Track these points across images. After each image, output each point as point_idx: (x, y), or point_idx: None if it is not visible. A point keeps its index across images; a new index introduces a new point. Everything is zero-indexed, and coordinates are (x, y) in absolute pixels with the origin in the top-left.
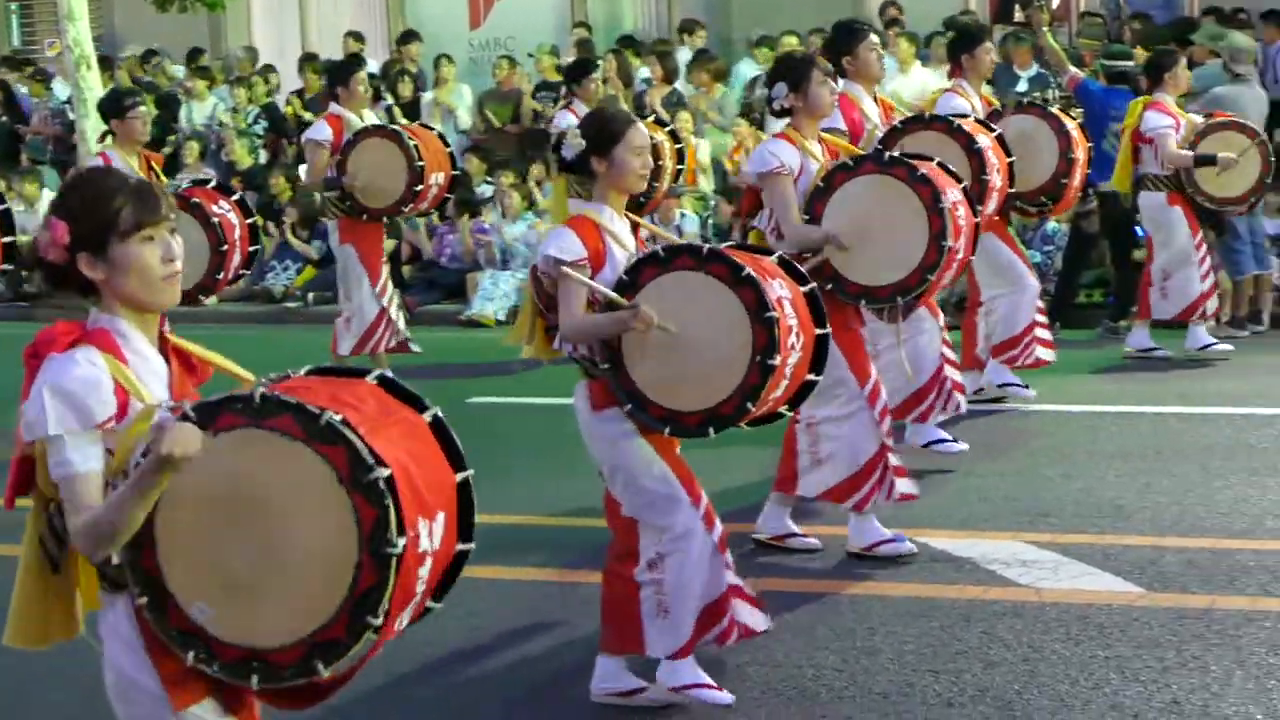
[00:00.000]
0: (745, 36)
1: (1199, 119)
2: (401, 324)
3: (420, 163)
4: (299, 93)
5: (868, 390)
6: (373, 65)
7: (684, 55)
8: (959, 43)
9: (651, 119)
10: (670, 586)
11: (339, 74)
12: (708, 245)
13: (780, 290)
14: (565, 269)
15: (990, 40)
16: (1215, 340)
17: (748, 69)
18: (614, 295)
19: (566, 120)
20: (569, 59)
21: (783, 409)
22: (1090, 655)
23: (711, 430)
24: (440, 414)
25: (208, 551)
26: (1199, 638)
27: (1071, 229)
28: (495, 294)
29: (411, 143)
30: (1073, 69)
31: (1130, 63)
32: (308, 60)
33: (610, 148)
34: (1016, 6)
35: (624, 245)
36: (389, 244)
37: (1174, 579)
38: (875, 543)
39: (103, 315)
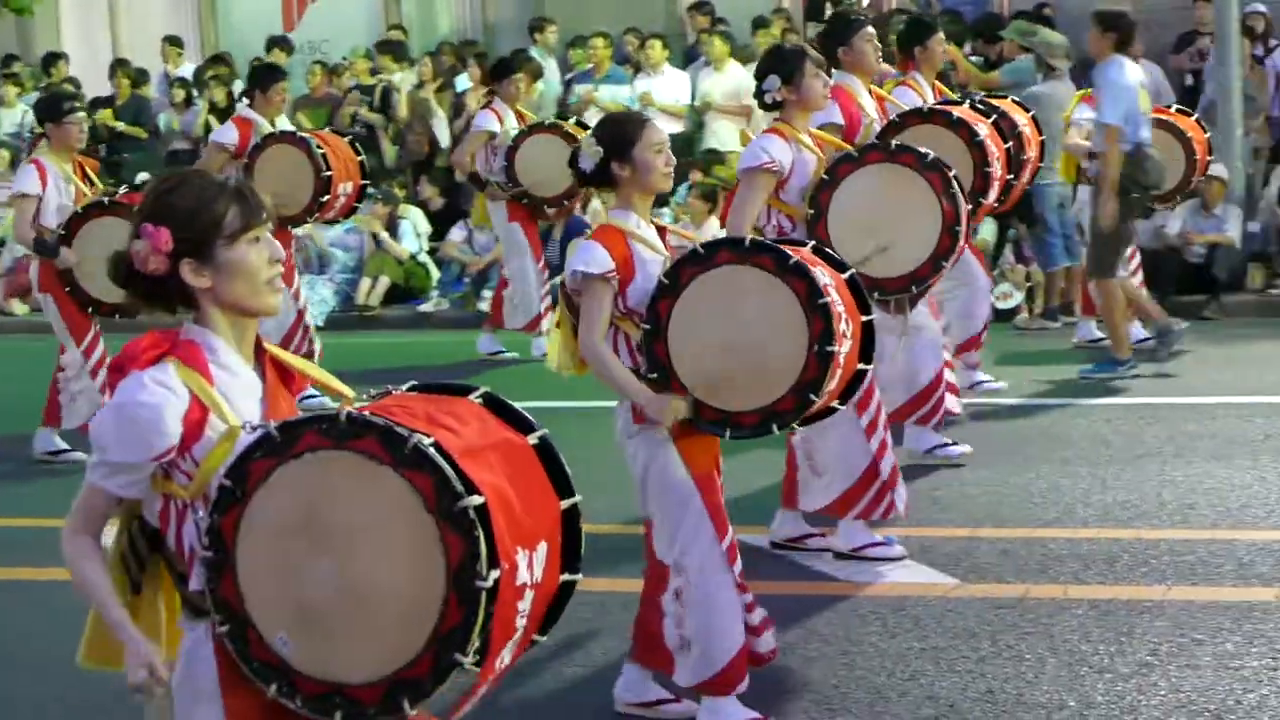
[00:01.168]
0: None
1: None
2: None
3: (328, 172)
4: (109, 99)
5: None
6: (186, 70)
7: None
8: (910, 35)
9: (573, 122)
10: (690, 623)
11: (260, 79)
12: (749, 238)
13: (825, 277)
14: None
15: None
16: (1148, 336)
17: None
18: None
19: (488, 121)
20: (384, 60)
21: (835, 403)
22: (906, 647)
23: (775, 427)
24: (547, 436)
25: (288, 580)
26: (1013, 627)
27: None
28: (313, 299)
29: (319, 151)
30: (884, 66)
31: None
32: (119, 65)
33: (629, 150)
34: (828, 5)
35: (655, 249)
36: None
37: (988, 569)
38: (864, 545)
39: (195, 327)
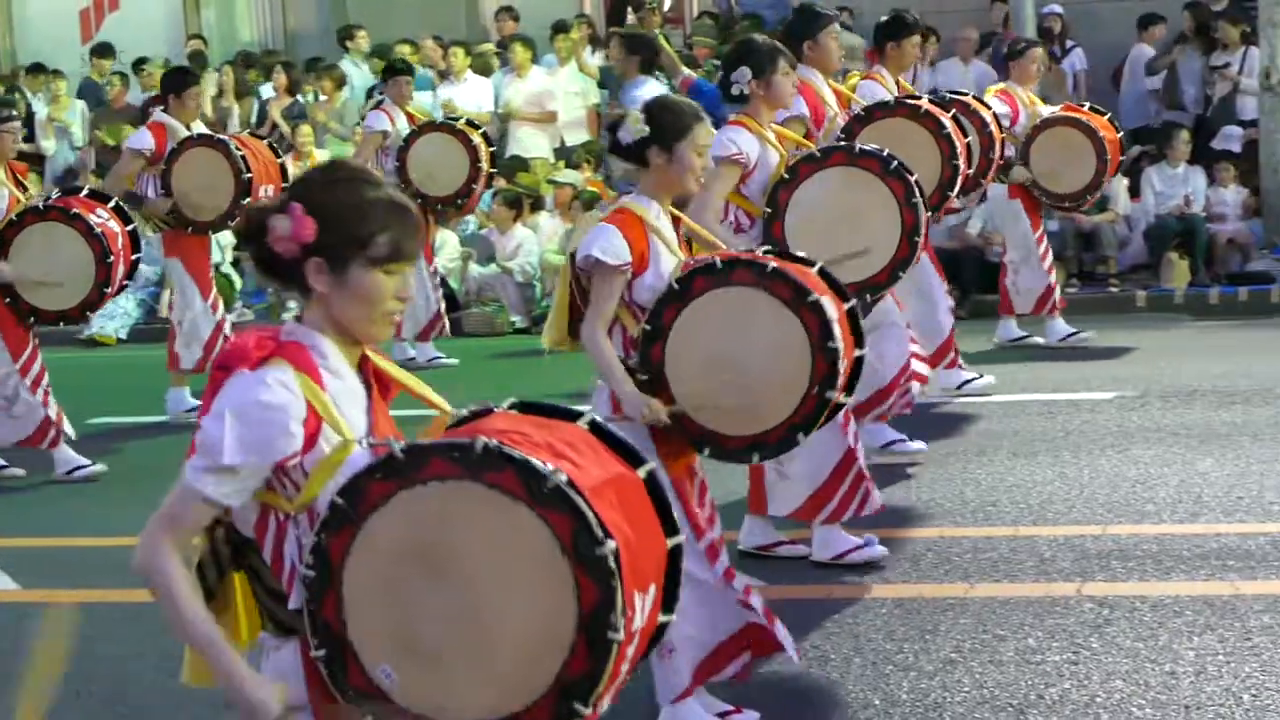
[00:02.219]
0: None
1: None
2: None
3: (248, 174)
4: None
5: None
6: None
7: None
8: (889, 29)
9: (463, 121)
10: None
11: (173, 83)
12: (771, 261)
13: (832, 309)
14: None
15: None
16: (1075, 330)
17: (362, 78)
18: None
19: (379, 122)
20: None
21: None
22: None
23: (756, 456)
24: (655, 470)
25: (399, 610)
26: (818, 627)
27: None
28: (116, 312)
29: (239, 153)
30: (685, 70)
31: None
32: None
33: (675, 142)
34: (629, 8)
35: (671, 248)
36: None
37: (792, 571)
38: (844, 551)
39: (300, 327)
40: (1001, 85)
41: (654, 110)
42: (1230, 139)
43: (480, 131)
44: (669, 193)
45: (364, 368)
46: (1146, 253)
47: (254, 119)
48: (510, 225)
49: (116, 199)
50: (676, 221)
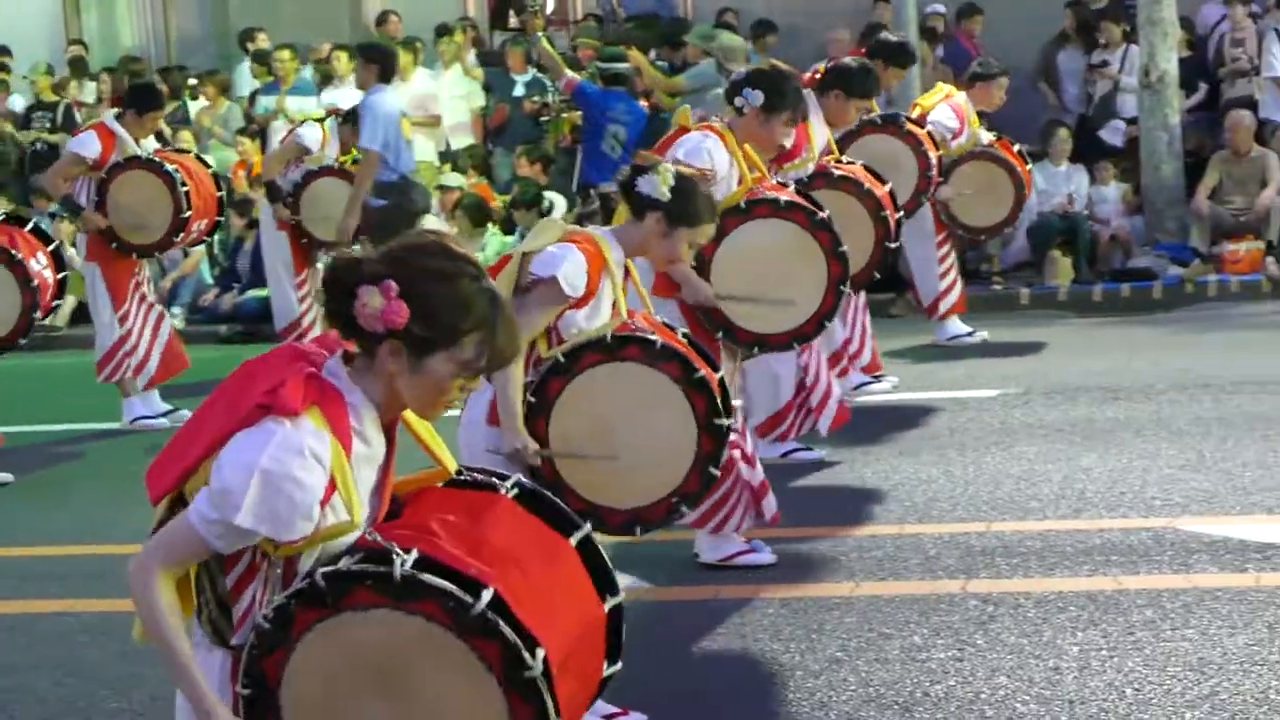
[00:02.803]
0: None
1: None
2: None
3: (186, 212)
4: None
5: None
6: None
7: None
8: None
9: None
10: None
11: (139, 100)
12: (659, 340)
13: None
14: None
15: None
16: (967, 330)
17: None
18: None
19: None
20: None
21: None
22: None
23: (638, 530)
24: (589, 534)
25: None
26: (705, 628)
27: None
28: None
29: (184, 188)
30: (569, 73)
31: (625, 64)
32: None
33: (681, 225)
34: (511, 11)
35: (615, 295)
36: None
37: (680, 573)
38: (732, 554)
39: (347, 377)
40: (961, 98)
41: (682, 186)
42: (1116, 132)
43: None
44: (639, 254)
45: (391, 426)
46: (1030, 251)
47: None
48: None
49: (57, 203)
50: (626, 274)
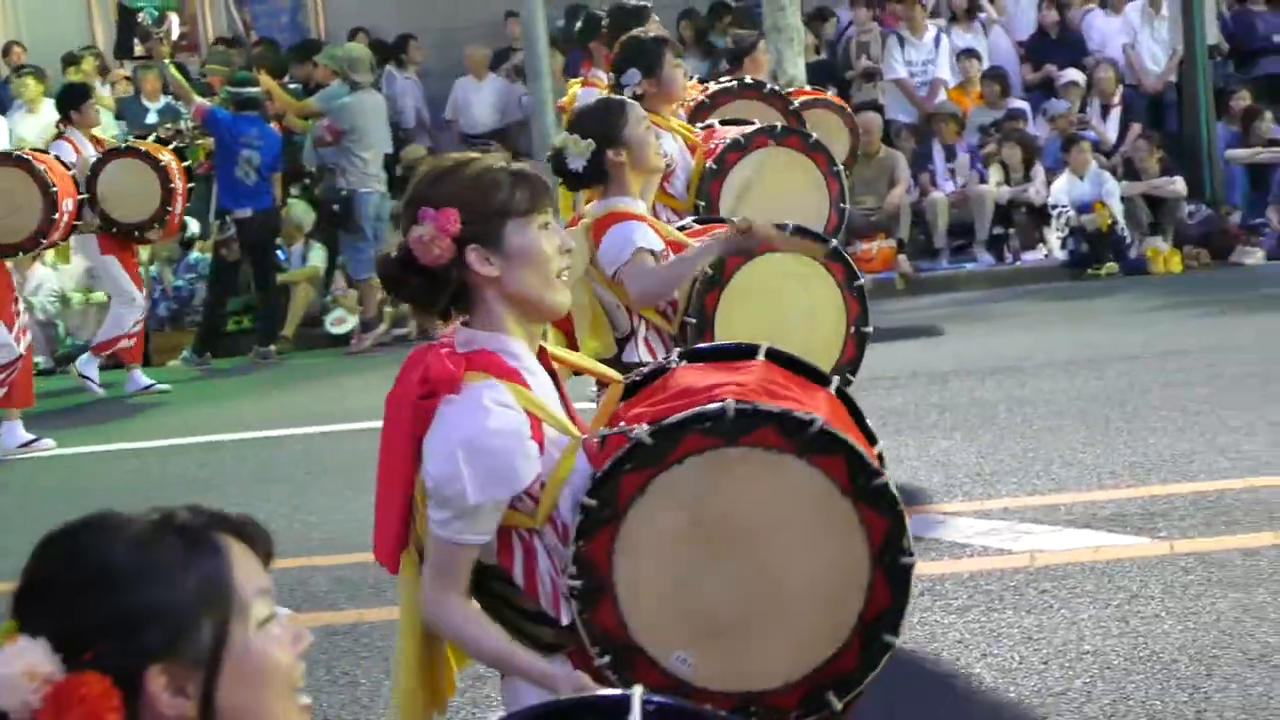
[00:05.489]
0: None
1: None
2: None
3: (54, 188)
4: None
5: None
6: None
7: None
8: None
9: (153, 139)
10: None
11: (73, 98)
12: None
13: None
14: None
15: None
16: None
17: None
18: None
19: (64, 152)
20: None
21: None
22: None
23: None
24: (839, 383)
25: (682, 594)
26: (348, 653)
27: (213, 258)
28: None
29: (40, 168)
30: (198, 99)
31: (256, 89)
32: None
33: (620, 132)
34: (136, 41)
35: (662, 233)
36: None
37: (323, 598)
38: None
39: (480, 333)
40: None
41: (583, 123)
42: None
43: (172, 149)
44: (640, 180)
45: (543, 358)
46: None
47: None
48: (30, 264)
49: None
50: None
